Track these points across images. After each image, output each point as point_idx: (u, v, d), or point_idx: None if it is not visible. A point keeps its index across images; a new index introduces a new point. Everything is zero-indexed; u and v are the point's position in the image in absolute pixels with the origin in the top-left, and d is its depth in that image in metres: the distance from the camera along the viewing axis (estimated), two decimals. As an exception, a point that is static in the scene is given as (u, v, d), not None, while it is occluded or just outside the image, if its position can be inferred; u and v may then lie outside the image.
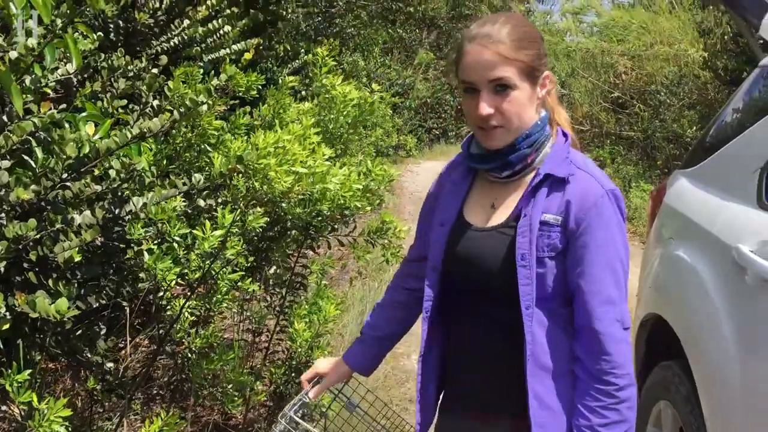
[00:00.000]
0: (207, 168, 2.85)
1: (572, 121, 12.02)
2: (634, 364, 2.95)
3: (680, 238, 2.52)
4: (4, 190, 2.23)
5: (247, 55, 2.52)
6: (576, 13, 13.02)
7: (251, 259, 2.93)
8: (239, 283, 2.99)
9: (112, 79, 2.96)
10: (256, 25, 5.77)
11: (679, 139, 10.20)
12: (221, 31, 4.69)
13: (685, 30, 10.35)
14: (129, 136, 2.30)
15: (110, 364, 2.63)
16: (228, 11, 4.86)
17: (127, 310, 2.68)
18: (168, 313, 2.86)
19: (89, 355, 2.45)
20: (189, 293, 2.59)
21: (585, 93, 12.45)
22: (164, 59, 2.56)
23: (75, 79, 3.03)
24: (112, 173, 2.34)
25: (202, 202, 2.61)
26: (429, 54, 17.80)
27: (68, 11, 2.57)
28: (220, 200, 2.62)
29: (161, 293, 2.78)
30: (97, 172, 2.51)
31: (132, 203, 2.40)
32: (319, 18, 9.83)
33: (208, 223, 2.33)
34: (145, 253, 2.33)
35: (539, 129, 1.57)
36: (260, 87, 3.17)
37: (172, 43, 4.33)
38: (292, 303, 3.12)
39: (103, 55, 3.07)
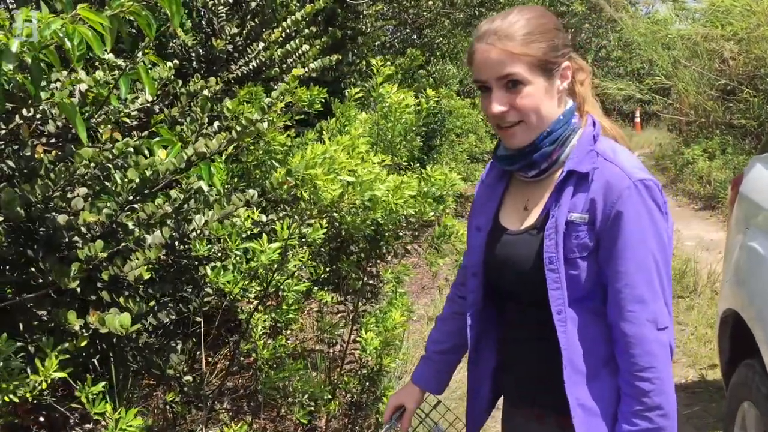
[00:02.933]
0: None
1: (678, 112, 11.50)
2: (719, 363, 2.80)
3: (754, 228, 2.36)
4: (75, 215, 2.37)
5: (296, 71, 2.57)
6: (675, 1, 12.48)
7: (320, 270, 2.98)
8: (314, 294, 3.05)
9: (191, 104, 3.10)
10: (335, 42, 5.88)
11: (796, 125, 9.57)
12: (300, 51, 4.83)
13: (794, 8, 9.70)
14: (184, 158, 2.40)
15: (188, 377, 2.74)
16: (306, 31, 4.99)
17: (202, 324, 2.78)
18: (249, 326, 2.96)
19: (164, 369, 2.56)
20: (257, 306, 2.66)
21: (691, 82, 11.89)
22: (212, 81, 2.64)
23: (157, 107, 3.20)
24: (173, 194, 2.45)
25: (264, 218, 2.69)
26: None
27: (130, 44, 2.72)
28: (281, 215, 2.69)
29: (239, 307, 2.88)
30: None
31: (195, 222, 2.50)
32: (408, 30, 9.90)
33: (265, 236, 2.39)
34: (207, 269, 2.42)
35: (562, 124, 1.51)
36: (323, 101, 3.23)
37: (251, 66, 4.50)
38: (364, 312, 3.15)
39: (180, 82, 3.21)
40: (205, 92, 2.57)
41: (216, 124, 2.73)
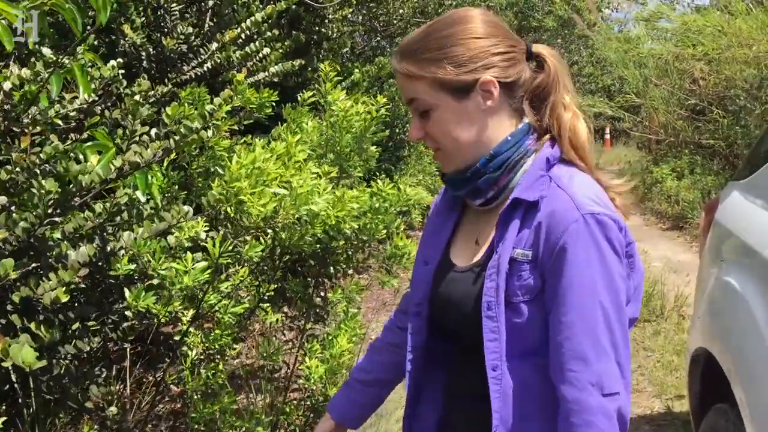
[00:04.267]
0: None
1: (648, 130, 11.47)
2: (689, 404, 2.62)
3: (730, 261, 2.19)
4: (-18, 228, 2.12)
5: (240, 76, 2.36)
6: (647, 20, 12.45)
7: (265, 288, 2.75)
8: (258, 314, 2.83)
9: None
10: (299, 46, 5.67)
11: (763, 146, 9.51)
12: (260, 54, 4.60)
13: (764, 30, 9.68)
14: (112, 168, 2.17)
15: (113, 409, 2.49)
16: (268, 33, 4.76)
17: (127, 351, 2.53)
18: (184, 349, 2.72)
19: (82, 402, 2.31)
20: (186, 330, 2.42)
21: (661, 101, 11.86)
22: (146, 84, 2.41)
23: (98, 108, 2.95)
24: (98, 207, 2.21)
25: (203, 235, 2.45)
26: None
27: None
28: (221, 232, 2.47)
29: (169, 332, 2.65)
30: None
31: (123, 239, 2.26)
32: (378, 37, 9.74)
33: (189, 255, 2.15)
34: (126, 290, 2.18)
35: (510, 146, 1.29)
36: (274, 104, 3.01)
37: (205, 68, 4.25)
38: (311, 336, 2.93)
39: (125, 82, 2.97)
40: (137, 97, 2.32)
41: (153, 131, 2.49)
